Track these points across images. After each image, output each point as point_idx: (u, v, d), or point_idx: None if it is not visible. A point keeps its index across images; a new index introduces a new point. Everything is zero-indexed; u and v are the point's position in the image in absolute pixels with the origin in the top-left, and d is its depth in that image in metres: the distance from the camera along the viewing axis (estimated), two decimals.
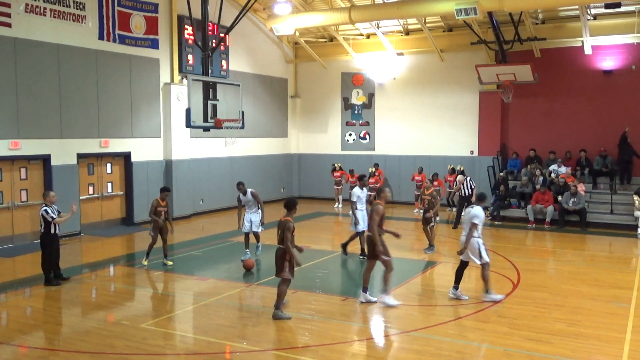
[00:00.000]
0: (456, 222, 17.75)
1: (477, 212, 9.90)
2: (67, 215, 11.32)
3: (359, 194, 13.00)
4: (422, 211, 14.47)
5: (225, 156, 21.13)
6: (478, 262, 9.86)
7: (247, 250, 13.13)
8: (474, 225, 9.75)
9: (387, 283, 9.76)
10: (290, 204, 9.22)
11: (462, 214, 17.60)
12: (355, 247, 13.67)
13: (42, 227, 11.06)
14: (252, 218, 13.24)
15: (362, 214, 12.93)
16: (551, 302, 9.89)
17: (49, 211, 11.02)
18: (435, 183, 20.56)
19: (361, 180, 13.51)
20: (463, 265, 10.11)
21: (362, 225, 12.77)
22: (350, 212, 13.13)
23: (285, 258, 8.89)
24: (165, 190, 13.10)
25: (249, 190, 13.28)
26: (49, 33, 15.24)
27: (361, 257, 13.03)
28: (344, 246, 13.56)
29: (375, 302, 9.75)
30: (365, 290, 9.84)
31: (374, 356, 7.69)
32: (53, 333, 8.75)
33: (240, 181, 13.66)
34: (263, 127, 23.38)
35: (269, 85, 23.73)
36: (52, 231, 11.09)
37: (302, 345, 8.04)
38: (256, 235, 13.37)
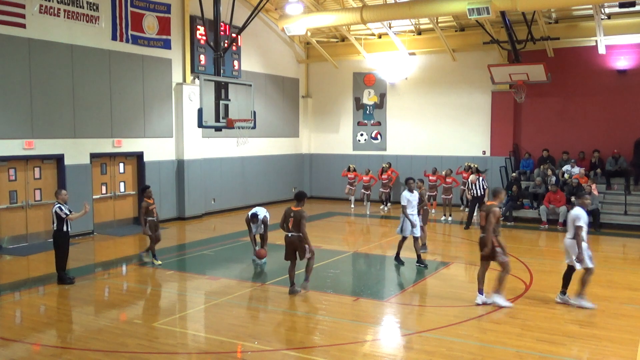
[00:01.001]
0: (468, 223, 17.64)
1: (578, 214, 9.46)
2: (79, 213, 11.39)
3: (409, 197, 12.27)
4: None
5: (237, 156, 21.18)
6: (579, 266, 9.59)
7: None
8: (579, 228, 9.38)
9: (501, 284, 9.67)
10: (302, 195, 10.40)
11: (475, 214, 17.59)
12: (384, 249, 13.61)
13: (55, 224, 11.14)
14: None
15: (413, 218, 12.33)
16: (563, 304, 9.80)
17: (63, 208, 11.09)
18: (433, 177, 20.54)
19: (408, 183, 12.57)
20: (570, 269, 9.82)
21: (414, 230, 12.27)
22: (402, 216, 12.31)
23: (303, 242, 10.03)
24: (147, 188, 12.98)
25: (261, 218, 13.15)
26: (62, 33, 15.37)
27: (418, 264, 12.39)
28: (398, 256, 12.73)
29: (490, 304, 9.60)
30: (481, 292, 9.71)
31: (385, 357, 7.67)
32: (66, 331, 8.81)
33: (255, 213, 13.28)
34: (275, 127, 23.42)
35: (280, 85, 23.76)
36: (65, 229, 11.17)
37: (313, 345, 8.04)
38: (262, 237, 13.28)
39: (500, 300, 9.61)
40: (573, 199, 17.57)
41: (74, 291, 10.82)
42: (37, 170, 15.28)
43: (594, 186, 17.72)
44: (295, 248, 10.14)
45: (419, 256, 12.41)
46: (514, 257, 13.44)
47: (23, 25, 14.41)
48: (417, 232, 12.38)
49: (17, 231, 14.84)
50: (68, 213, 11.12)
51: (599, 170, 19.24)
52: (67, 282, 11.15)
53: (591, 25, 19.04)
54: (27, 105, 14.69)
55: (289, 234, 10.14)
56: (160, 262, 12.73)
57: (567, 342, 8.03)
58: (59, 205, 11.12)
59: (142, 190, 13.08)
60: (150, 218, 12.66)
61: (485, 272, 9.82)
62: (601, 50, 19.31)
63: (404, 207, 12.26)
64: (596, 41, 19.26)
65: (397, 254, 12.74)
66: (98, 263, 12.84)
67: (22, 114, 14.59)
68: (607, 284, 11.20)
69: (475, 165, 19.96)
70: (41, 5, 14.73)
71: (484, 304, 9.61)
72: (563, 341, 8.06)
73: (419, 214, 13.99)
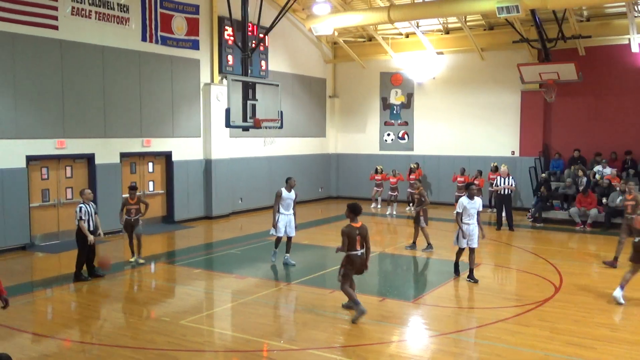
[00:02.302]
0: (499, 223, 17.39)
1: (460, 201, 9.62)
2: (88, 232, 11.34)
3: (466, 204, 11.05)
4: (413, 209, 14.59)
5: (264, 156, 21.28)
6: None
7: (276, 250, 12.78)
8: (457, 215, 9.45)
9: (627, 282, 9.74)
10: (359, 209, 9.19)
11: (502, 214, 17.40)
12: (411, 249, 13.51)
13: (77, 223, 11.41)
14: (289, 220, 12.63)
15: (468, 228, 11.12)
16: (594, 307, 9.64)
17: (82, 208, 11.35)
18: (461, 179, 20.39)
19: (469, 189, 11.23)
20: None
21: (469, 241, 11.17)
22: (458, 226, 11.20)
23: (368, 258, 9.17)
24: (132, 188, 13.00)
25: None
26: (93, 35, 15.63)
27: (469, 280, 11.21)
28: (457, 267, 11.68)
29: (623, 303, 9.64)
30: (622, 287, 9.73)
31: (412, 357, 7.62)
32: (96, 327, 8.96)
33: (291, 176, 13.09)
34: (301, 127, 23.47)
35: (307, 85, 23.80)
36: (87, 228, 11.36)
37: (339, 344, 8.04)
38: (290, 240, 12.79)
39: (619, 296, 9.68)
40: (605, 200, 17.34)
41: (104, 288, 10.99)
42: (68, 169, 15.57)
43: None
44: (363, 266, 9.10)
45: (471, 270, 11.27)
46: (543, 259, 13.26)
47: (55, 27, 14.70)
48: (474, 243, 11.21)
49: (49, 229, 15.15)
50: (84, 217, 11.32)
51: (631, 171, 18.84)
52: (82, 279, 11.34)
53: (624, 23, 18.65)
54: (59, 106, 14.98)
55: (358, 253, 8.99)
56: (142, 261, 12.84)
57: (597, 345, 7.89)
58: (80, 205, 11.41)
59: (128, 189, 13.13)
60: (127, 217, 12.70)
61: (633, 275, 9.74)
62: (634, 48, 18.90)
63: (457, 215, 11.17)
64: (629, 39, 18.87)
65: (457, 264, 11.67)
66: (127, 261, 13.01)
67: (54, 114, 14.89)
68: (639, 287, 10.97)
69: (504, 167, 19.73)
70: (73, 7, 15.01)
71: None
72: (593, 345, 7.91)
73: (425, 215, 13.96)
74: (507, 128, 21.59)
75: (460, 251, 11.52)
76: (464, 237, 11.12)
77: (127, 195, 13.05)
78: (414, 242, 14.32)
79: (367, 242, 9.04)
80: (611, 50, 19.68)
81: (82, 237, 11.37)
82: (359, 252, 8.94)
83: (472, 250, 11.24)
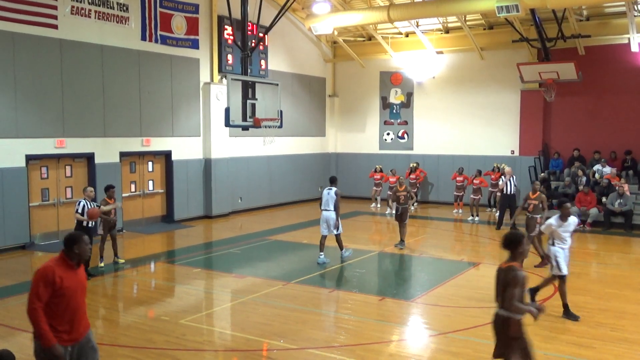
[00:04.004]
0: (499, 223, 17.35)
1: None
2: (83, 217, 11.39)
3: (554, 225, 9.03)
4: (396, 207, 14.65)
5: (264, 155, 21.28)
6: None
7: (322, 253, 12.61)
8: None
9: None
10: (517, 240, 5.76)
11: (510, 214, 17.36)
12: (411, 249, 13.50)
13: (76, 220, 11.53)
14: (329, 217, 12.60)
15: (564, 254, 9.02)
16: (594, 306, 9.65)
17: (82, 203, 11.48)
18: (460, 178, 20.40)
19: (563, 207, 9.05)
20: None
21: (564, 269, 8.99)
22: (552, 255, 9.05)
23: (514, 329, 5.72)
24: (109, 187, 12.71)
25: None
26: (93, 34, 15.62)
27: (567, 316, 8.98)
28: (534, 293, 9.50)
29: None
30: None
31: (411, 357, 7.63)
32: (95, 327, 8.96)
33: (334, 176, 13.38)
34: (301, 127, 23.47)
35: (307, 85, 23.80)
36: (84, 224, 11.42)
37: (338, 344, 8.04)
38: (337, 237, 12.80)
39: None
40: (604, 199, 17.35)
41: (103, 287, 10.99)
42: (68, 168, 15.57)
43: (626, 187, 17.38)
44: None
45: (565, 306, 9.07)
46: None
47: (55, 26, 14.69)
48: (564, 270, 9.00)
49: (49, 228, 15.15)
50: (79, 210, 11.46)
51: (630, 172, 18.85)
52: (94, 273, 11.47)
53: (624, 23, 18.65)
54: (58, 105, 14.98)
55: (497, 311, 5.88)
56: (123, 260, 12.82)
57: (597, 345, 7.89)
58: (80, 200, 11.57)
59: (106, 189, 12.67)
60: (106, 217, 12.46)
61: None
62: (634, 48, 18.90)
63: (552, 241, 9.05)
64: (629, 39, 18.87)
65: (537, 289, 9.55)
66: (127, 260, 13.01)
67: (53, 114, 14.89)
68: (639, 287, 10.97)
69: (503, 165, 19.75)
70: (73, 7, 15.00)
71: None
72: (593, 344, 7.92)
73: (403, 214, 14.15)
74: (506, 127, 21.59)
75: (552, 279, 9.38)
76: (552, 260, 9.04)
77: (107, 197, 12.53)
78: (402, 240, 14.42)
79: (511, 297, 5.71)
80: (611, 49, 19.68)
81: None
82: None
83: (562, 279, 9.07)
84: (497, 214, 18.07)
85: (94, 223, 11.67)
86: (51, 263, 5.18)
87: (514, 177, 17.63)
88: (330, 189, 12.66)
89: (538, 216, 12.44)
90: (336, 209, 12.57)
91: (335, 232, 12.62)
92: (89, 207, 11.50)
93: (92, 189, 11.94)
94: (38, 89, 14.52)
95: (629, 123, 19.56)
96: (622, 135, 19.61)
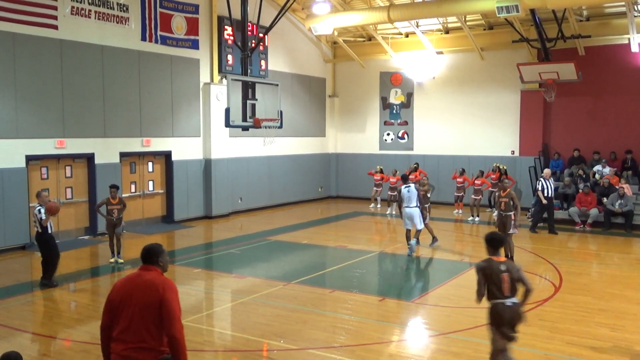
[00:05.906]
0: (534, 226, 17.13)
1: None
2: (45, 218, 10.80)
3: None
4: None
5: (264, 155, 21.27)
6: None
7: (411, 242, 13.43)
8: None
9: None
10: (501, 241, 6.48)
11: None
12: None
13: (38, 226, 10.78)
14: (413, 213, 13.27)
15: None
16: (594, 306, 9.64)
17: (42, 210, 10.71)
18: (460, 179, 20.31)
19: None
20: None
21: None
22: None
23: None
24: (113, 187, 12.83)
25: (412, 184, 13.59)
26: (93, 34, 15.62)
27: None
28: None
29: None
30: None
31: (411, 357, 7.62)
32: (97, 328, 8.93)
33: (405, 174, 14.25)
34: (301, 127, 23.47)
35: (307, 85, 23.80)
36: (49, 231, 10.88)
37: (338, 344, 8.04)
38: (427, 226, 13.89)
39: None
40: (605, 200, 17.34)
41: (104, 288, 10.98)
42: (68, 169, 15.57)
43: (626, 187, 17.38)
44: (519, 320, 6.27)
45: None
46: (543, 259, 13.26)
47: (55, 27, 14.69)
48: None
49: None
50: (44, 217, 10.67)
51: (630, 172, 18.84)
52: (50, 286, 10.80)
53: (624, 23, 18.65)
54: (58, 105, 14.97)
55: (507, 302, 6.14)
56: (113, 260, 12.84)
57: (597, 345, 7.89)
58: (39, 207, 10.75)
59: (110, 187, 12.94)
60: (109, 217, 12.63)
61: None
62: (634, 48, 18.90)
63: None
64: (629, 39, 18.86)
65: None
66: (127, 260, 13.01)
67: (54, 114, 14.89)
68: (639, 287, 10.96)
69: (504, 167, 19.75)
70: (73, 7, 15.01)
71: None
72: (593, 344, 7.91)
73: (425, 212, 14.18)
74: (506, 128, 21.59)
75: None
76: None
77: (109, 195, 12.83)
78: (435, 237, 14.52)
79: (525, 283, 6.21)
80: (611, 50, 19.68)
81: (45, 239, 10.80)
82: (507, 302, 6.14)
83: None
84: (531, 218, 17.84)
85: (51, 225, 10.98)
86: (164, 277, 5.03)
87: (552, 179, 17.38)
88: (408, 186, 13.34)
89: (511, 213, 12.49)
90: (421, 202, 13.42)
91: (419, 226, 13.40)
92: (42, 212, 10.74)
93: (46, 193, 11.64)
94: (38, 89, 14.52)
95: (629, 123, 19.55)
96: (622, 135, 19.60)
